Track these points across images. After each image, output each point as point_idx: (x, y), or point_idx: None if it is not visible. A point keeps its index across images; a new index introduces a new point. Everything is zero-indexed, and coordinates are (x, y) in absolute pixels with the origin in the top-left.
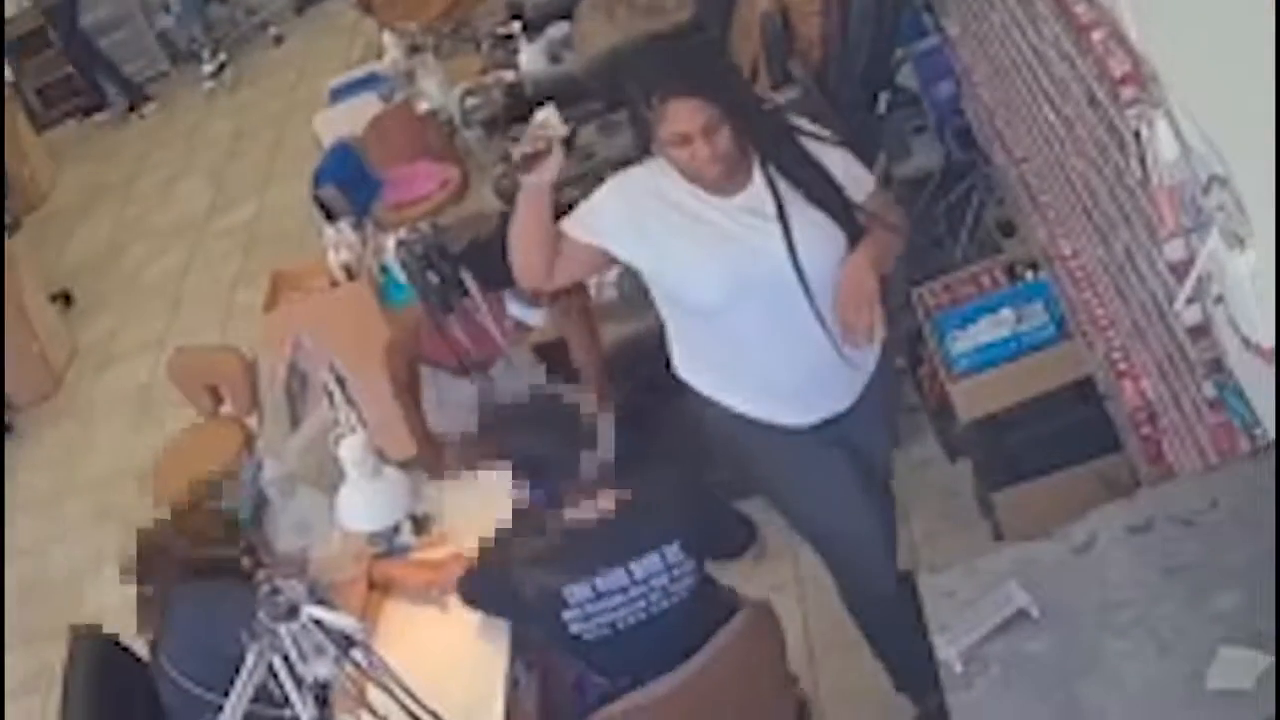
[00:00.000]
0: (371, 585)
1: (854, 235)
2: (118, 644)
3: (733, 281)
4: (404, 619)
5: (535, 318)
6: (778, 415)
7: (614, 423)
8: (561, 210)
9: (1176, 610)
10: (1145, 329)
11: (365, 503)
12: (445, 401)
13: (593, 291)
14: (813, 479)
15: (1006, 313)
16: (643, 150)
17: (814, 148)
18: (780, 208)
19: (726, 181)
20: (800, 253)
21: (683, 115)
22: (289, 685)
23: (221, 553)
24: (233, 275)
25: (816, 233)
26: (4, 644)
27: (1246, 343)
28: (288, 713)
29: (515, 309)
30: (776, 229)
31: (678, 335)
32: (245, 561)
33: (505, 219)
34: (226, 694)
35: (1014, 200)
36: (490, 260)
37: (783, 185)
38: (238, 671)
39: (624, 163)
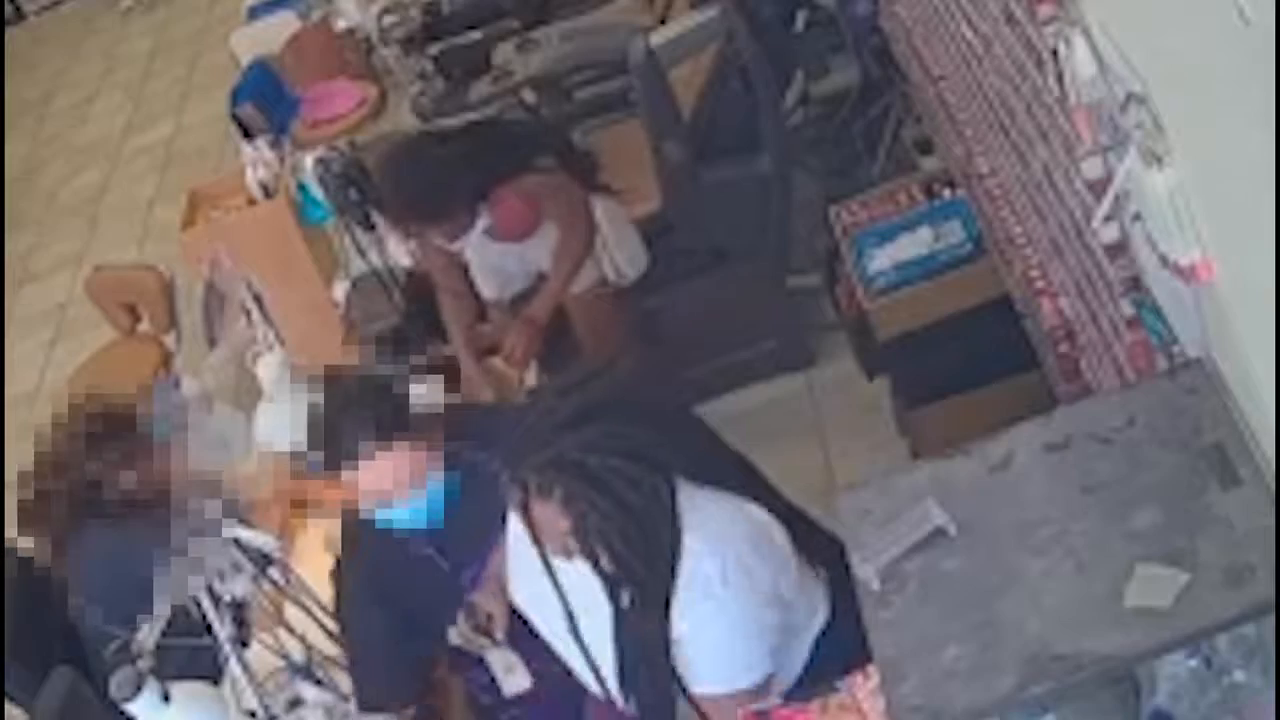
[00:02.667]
0: (289, 503)
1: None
2: (42, 570)
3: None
4: (321, 537)
5: None
6: None
7: None
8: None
9: (1094, 528)
10: (1063, 247)
11: (283, 420)
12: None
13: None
14: None
15: (924, 231)
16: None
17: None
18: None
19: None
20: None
21: (554, 527)
22: (206, 604)
23: (140, 472)
24: (150, 193)
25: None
26: None
27: (1164, 260)
28: (205, 640)
29: None
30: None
31: None
32: (166, 481)
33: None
34: (146, 613)
35: (931, 118)
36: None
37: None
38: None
39: (541, 81)
